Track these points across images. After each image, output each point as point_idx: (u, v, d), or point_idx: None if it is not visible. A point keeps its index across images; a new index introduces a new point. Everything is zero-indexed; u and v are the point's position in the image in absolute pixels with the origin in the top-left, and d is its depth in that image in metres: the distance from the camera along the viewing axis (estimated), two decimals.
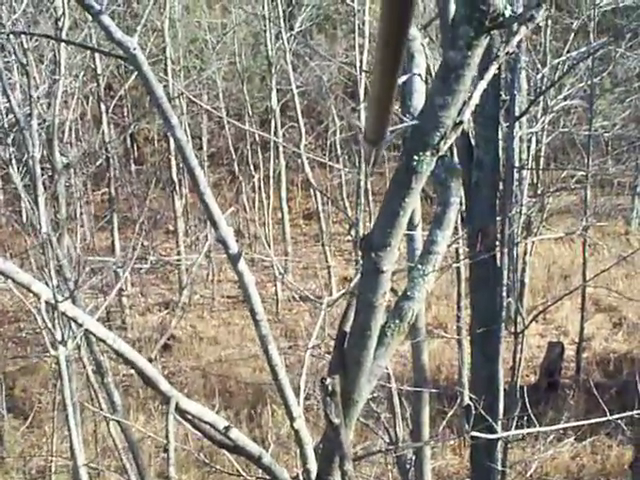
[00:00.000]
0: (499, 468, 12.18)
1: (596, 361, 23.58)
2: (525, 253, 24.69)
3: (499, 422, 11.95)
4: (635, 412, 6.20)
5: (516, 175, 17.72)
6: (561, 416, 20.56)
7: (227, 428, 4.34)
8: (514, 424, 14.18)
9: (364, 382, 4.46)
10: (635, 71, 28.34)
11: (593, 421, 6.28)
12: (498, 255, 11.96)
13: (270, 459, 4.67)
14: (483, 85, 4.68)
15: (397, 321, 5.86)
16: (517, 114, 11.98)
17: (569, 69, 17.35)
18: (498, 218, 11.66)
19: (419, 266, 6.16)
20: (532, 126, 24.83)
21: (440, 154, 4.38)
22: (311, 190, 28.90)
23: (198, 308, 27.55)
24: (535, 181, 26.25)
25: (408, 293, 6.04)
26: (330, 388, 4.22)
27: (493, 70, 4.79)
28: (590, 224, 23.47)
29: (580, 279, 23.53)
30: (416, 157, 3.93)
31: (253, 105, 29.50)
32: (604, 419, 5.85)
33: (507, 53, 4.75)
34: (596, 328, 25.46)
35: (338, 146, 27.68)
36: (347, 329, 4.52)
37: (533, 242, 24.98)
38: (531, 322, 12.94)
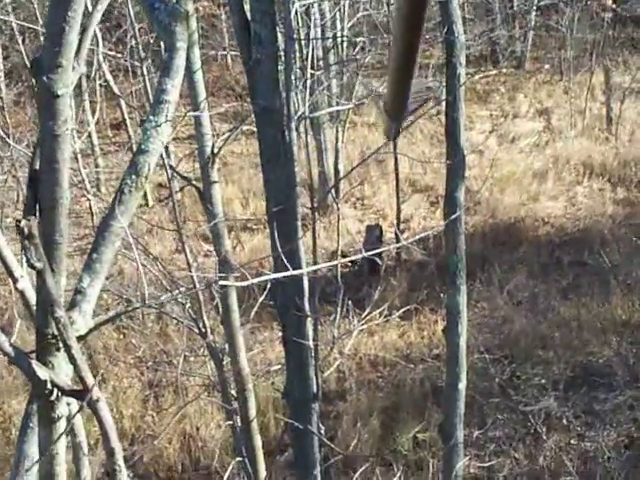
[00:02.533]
0: (310, 344, 12.12)
1: (416, 240, 23.80)
2: (337, 140, 24.54)
3: (305, 299, 11.85)
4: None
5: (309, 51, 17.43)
6: (386, 296, 20.77)
7: None
8: (339, 309, 14.20)
9: (62, 221, 4.14)
10: None
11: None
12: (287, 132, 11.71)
13: None
14: None
15: (134, 177, 5.51)
16: None
17: None
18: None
19: (151, 117, 5.80)
20: (333, 10, 24.53)
21: None
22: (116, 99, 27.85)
23: (11, 231, 26.43)
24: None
25: (142, 146, 5.68)
26: (26, 231, 3.86)
27: None
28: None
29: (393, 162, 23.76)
30: None
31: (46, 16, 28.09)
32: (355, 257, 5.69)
33: None
34: (414, 209, 25.76)
35: (140, 50, 26.62)
36: (37, 167, 4.14)
37: (344, 131, 24.86)
38: (328, 193, 12.79)
